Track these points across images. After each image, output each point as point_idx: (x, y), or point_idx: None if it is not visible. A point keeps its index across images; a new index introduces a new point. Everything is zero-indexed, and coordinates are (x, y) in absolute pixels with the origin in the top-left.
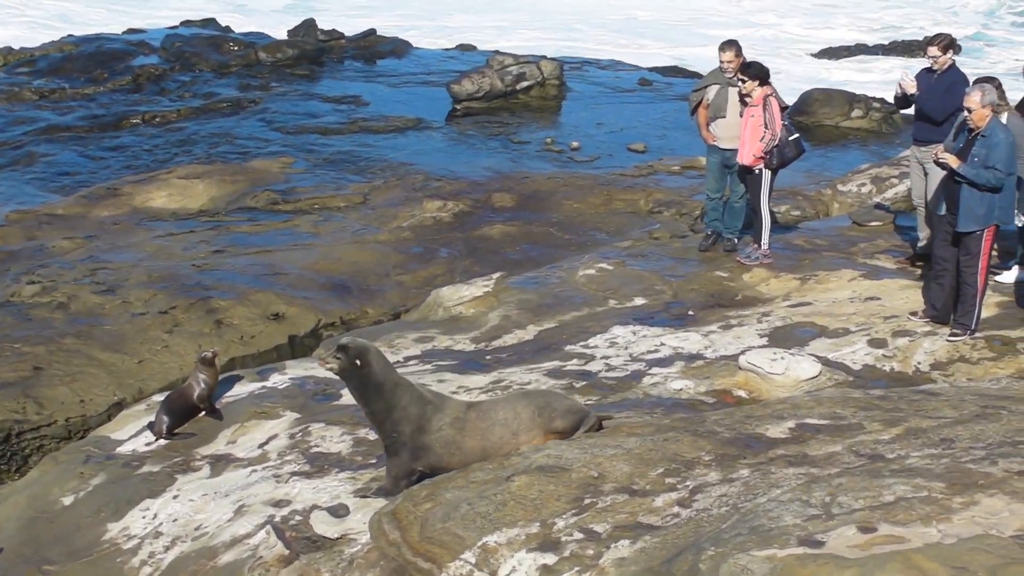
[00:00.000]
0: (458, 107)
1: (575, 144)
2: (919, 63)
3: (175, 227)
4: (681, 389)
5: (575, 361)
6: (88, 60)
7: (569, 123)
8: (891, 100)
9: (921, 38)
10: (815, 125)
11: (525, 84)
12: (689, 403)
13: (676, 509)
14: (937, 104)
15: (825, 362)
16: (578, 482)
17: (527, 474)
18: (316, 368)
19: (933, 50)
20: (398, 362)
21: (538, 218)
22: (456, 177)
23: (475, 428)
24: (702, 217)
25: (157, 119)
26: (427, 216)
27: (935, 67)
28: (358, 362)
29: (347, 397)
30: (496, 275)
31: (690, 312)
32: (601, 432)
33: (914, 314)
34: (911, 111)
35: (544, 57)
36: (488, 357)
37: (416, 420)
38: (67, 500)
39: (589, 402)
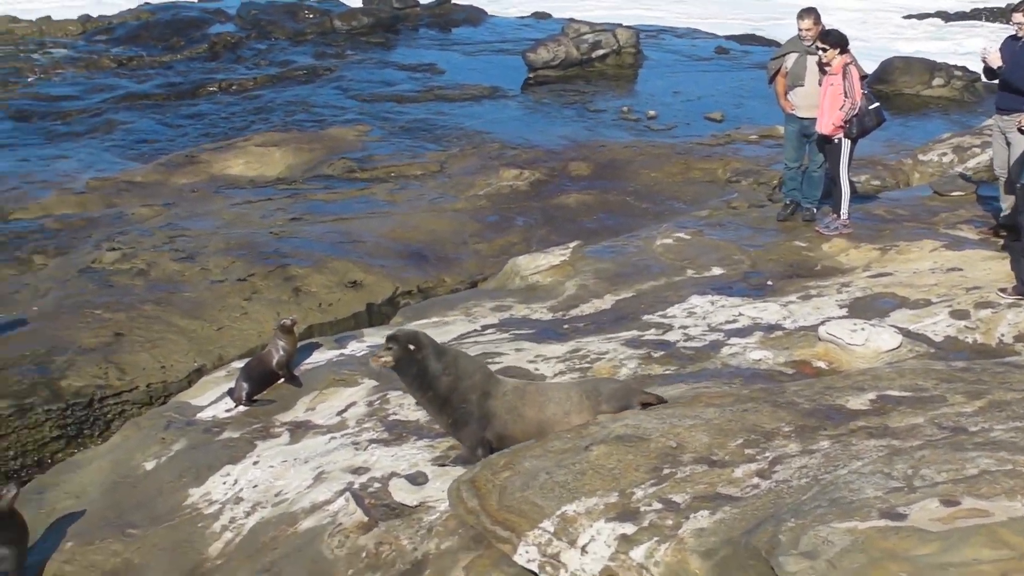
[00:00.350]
0: (533, 76)
1: (652, 113)
2: (1004, 30)
3: (252, 194)
4: (760, 360)
5: (653, 331)
6: (165, 28)
7: (645, 92)
8: (973, 69)
9: (1006, 4)
10: (895, 94)
11: (601, 52)
12: (768, 374)
13: (756, 480)
14: (1021, 73)
15: (906, 333)
16: (657, 452)
17: (605, 443)
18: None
19: (1018, 16)
20: (475, 331)
21: (615, 187)
22: (532, 146)
23: (534, 399)
24: (780, 187)
25: (234, 87)
26: (503, 184)
27: (1020, 34)
28: (411, 346)
29: None
30: (572, 244)
31: (769, 282)
32: (680, 402)
33: (1003, 290)
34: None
35: (620, 25)
36: (565, 326)
37: (482, 386)
38: (149, 465)
39: (667, 372)
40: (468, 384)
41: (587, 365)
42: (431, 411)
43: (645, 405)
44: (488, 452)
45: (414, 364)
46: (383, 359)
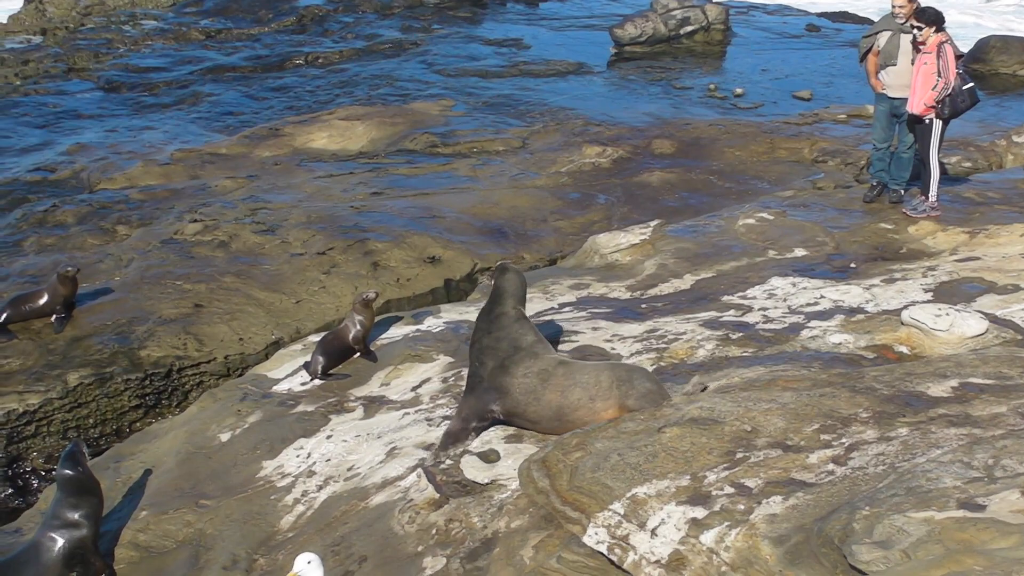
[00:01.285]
0: (619, 51)
1: (739, 91)
2: None
3: (335, 168)
4: (840, 343)
5: (732, 312)
6: (253, 0)
7: (733, 69)
8: None
9: None
10: (991, 73)
11: (689, 29)
12: (848, 358)
13: (831, 467)
14: None
15: (992, 319)
16: (730, 435)
17: (679, 426)
18: (471, 312)
19: None
20: (552, 309)
21: (698, 165)
22: (616, 123)
23: (558, 383)
24: (868, 167)
25: (320, 60)
26: (586, 162)
27: None
28: (499, 271)
29: None
30: (654, 223)
31: (852, 265)
32: (756, 385)
33: None
34: None
35: (709, 1)
36: (643, 306)
37: (502, 357)
38: (224, 436)
39: (745, 353)
40: (489, 344)
41: (664, 345)
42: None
43: None
44: (482, 428)
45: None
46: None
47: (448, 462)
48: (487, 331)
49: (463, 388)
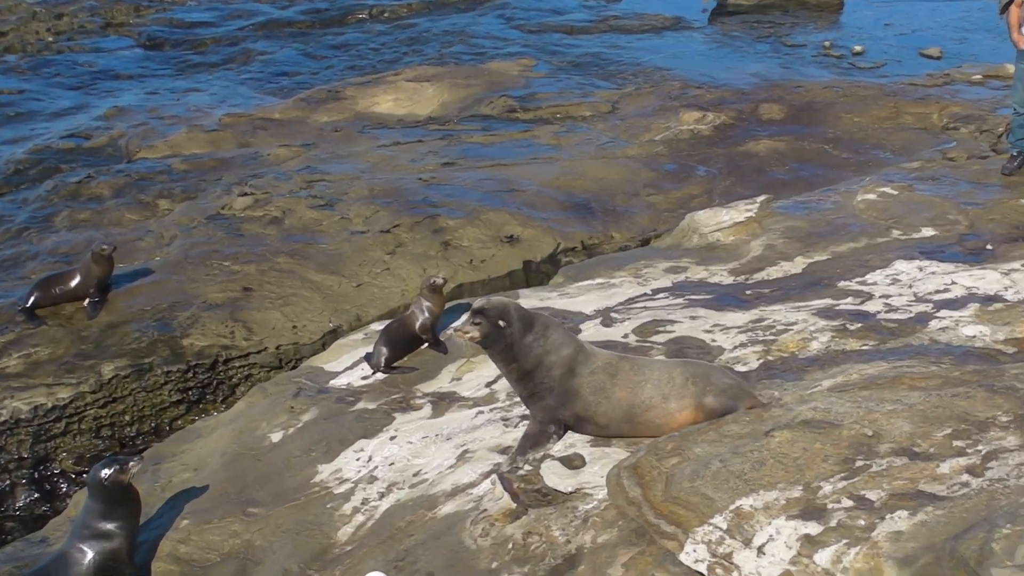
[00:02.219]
0: (721, 5)
1: (858, 48)
2: None
3: (401, 135)
4: (975, 336)
5: (850, 299)
6: None
7: (852, 24)
8: None
9: None
10: None
11: None
12: (984, 353)
13: (965, 477)
14: None
15: None
16: (849, 440)
17: (790, 429)
18: (553, 297)
19: None
20: (645, 295)
21: (812, 133)
22: (718, 84)
23: (627, 379)
24: (1007, 135)
25: (386, 14)
26: (684, 129)
27: None
28: (501, 323)
29: (586, 331)
30: (761, 198)
31: (989, 246)
32: (878, 383)
33: None
34: None
35: None
36: (748, 292)
37: (568, 362)
38: (275, 436)
39: (864, 347)
40: (554, 359)
41: (772, 337)
42: (511, 381)
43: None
44: (561, 432)
45: (502, 339)
46: (469, 335)
47: (527, 468)
48: (544, 352)
49: None
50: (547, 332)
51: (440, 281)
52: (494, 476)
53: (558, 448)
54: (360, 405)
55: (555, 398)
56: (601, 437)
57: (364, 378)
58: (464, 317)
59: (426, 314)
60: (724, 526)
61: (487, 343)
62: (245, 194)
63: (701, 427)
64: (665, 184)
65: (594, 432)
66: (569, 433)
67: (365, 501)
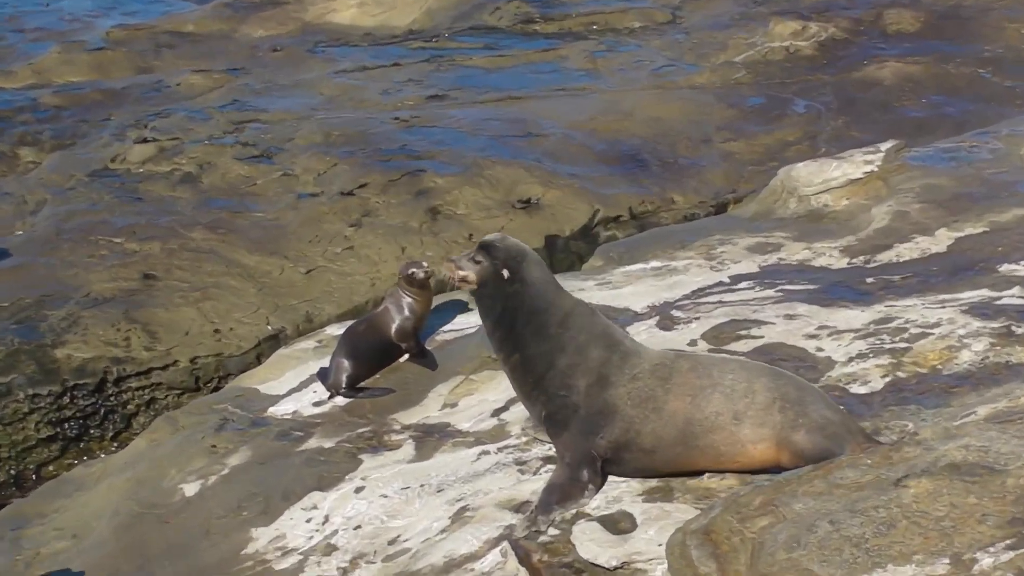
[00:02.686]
0: None
1: None
2: None
3: (369, 57)
4: None
5: (1016, 291)
6: None
7: None
8: None
9: None
10: None
11: None
12: None
13: None
14: None
15: None
16: (1017, 494)
17: (931, 476)
18: (589, 288)
19: None
20: (721, 284)
21: (959, 52)
22: None
23: (687, 383)
24: None
25: None
26: (775, 46)
27: None
28: (506, 272)
29: (635, 337)
30: (886, 145)
31: None
32: None
33: None
34: None
35: None
36: (870, 280)
37: (597, 367)
38: (190, 489)
39: None
40: (574, 361)
41: (903, 345)
42: (515, 385)
43: None
44: (600, 480)
45: (501, 299)
46: (460, 273)
47: (551, 532)
48: (557, 347)
49: None
50: (568, 321)
51: (422, 274)
52: (505, 544)
53: (596, 503)
54: (312, 443)
55: (583, 423)
56: (644, 476)
57: (317, 404)
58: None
59: (405, 313)
60: None
61: (481, 297)
62: (145, 140)
63: (801, 473)
64: (748, 126)
65: (636, 465)
66: (609, 481)
67: None
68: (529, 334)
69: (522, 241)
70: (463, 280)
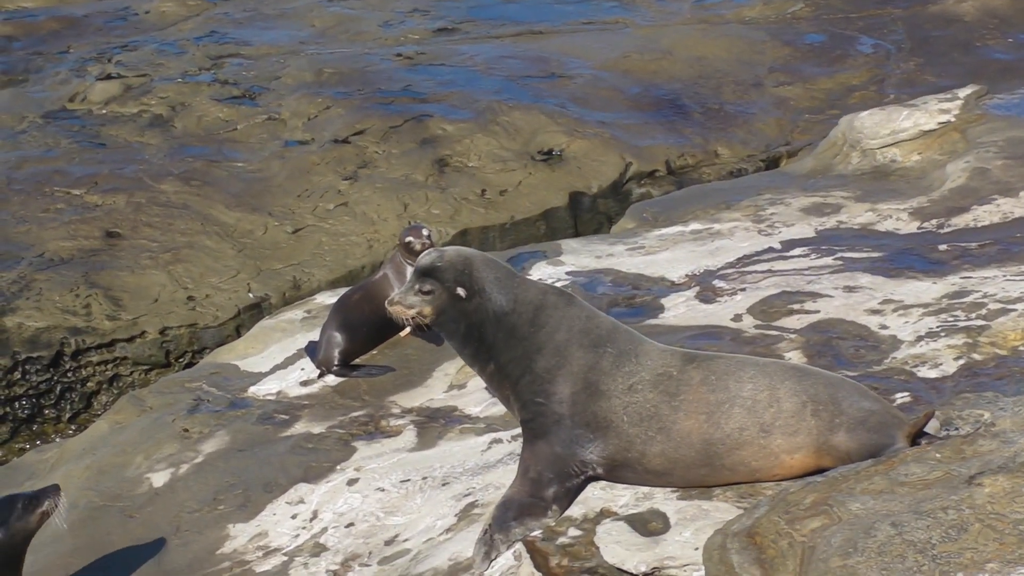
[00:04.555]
0: None
1: None
2: None
3: None
4: None
5: None
6: None
7: None
8: None
9: None
10: None
11: None
12: None
13: None
14: None
15: None
16: None
17: (1008, 473)
18: (619, 253)
19: None
20: (770, 250)
21: None
22: None
23: (698, 399)
24: None
25: None
26: None
27: None
28: (461, 291)
29: (671, 309)
30: (965, 91)
31: None
32: None
33: None
34: None
35: None
36: (943, 248)
37: (583, 372)
38: (159, 479)
39: None
40: (552, 364)
41: (981, 323)
42: (495, 394)
43: (917, 443)
44: (567, 503)
45: (463, 319)
46: (412, 311)
47: (573, 532)
48: (535, 348)
49: None
50: (540, 316)
51: (419, 244)
52: (519, 547)
53: (625, 501)
54: (299, 428)
55: (565, 435)
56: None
57: (305, 383)
58: (408, 279)
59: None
60: None
61: (443, 324)
62: (108, 77)
63: (860, 468)
64: (806, 67)
65: (647, 482)
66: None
67: None
68: (500, 341)
69: (540, 199)
70: (417, 317)
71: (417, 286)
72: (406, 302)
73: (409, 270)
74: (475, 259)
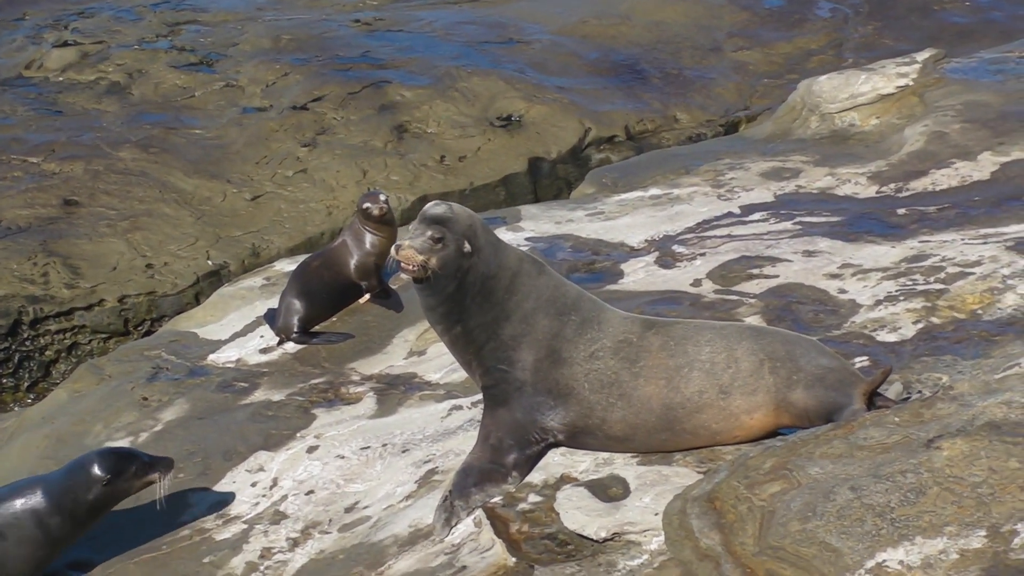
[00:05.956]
0: None
1: None
2: None
3: None
4: None
5: None
6: None
7: None
8: None
9: None
10: None
11: None
12: None
13: None
14: None
15: None
16: None
17: (967, 436)
18: (579, 219)
19: None
20: (729, 215)
21: None
22: None
23: (657, 364)
24: None
25: None
26: None
27: None
28: (468, 247)
29: (630, 275)
30: (923, 55)
31: None
32: None
33: None
34: None
35: None
36: (901, 211)
37: (547, 339)
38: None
39: None
40: (521, 331)
41: (939, 286)
42: (455, 356)
43: (872, 402)
44: (527, 469)
45: (457, 277)
46: (422, 258)
47: (533, 499)
48: (503, 315)
49: None
50: (515, 282)
51: (376, 210)
52: (479, 513)
53: (585, 467)
54: (258, 395)
55: (527, 401)
56: (625, 450)
57: (265, 351)
58: (413, 227)
59: (366, 247)
60: None
61: (439, 279)
62: (65, 44)
63: (818, 432)
64: (764, 32)
65: (609, 448)
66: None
67: (268, 553)
68: (476, 304)
69: (500, 164)
70: (420, 267)
71: (429, 233)
72: (417, 246)
73: (368, 236)
74: (477, 218)
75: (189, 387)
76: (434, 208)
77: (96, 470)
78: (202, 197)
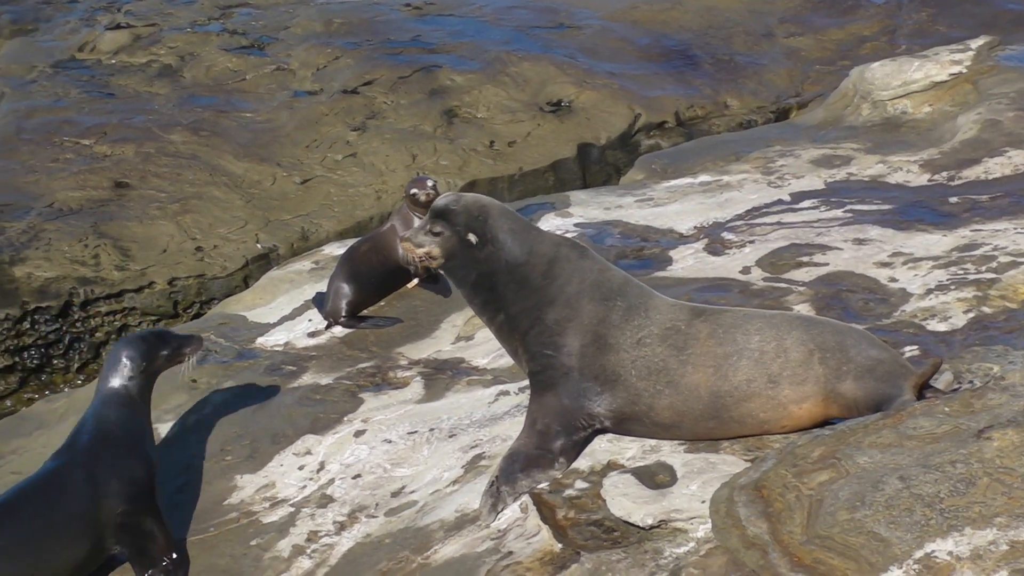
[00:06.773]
0: None
1: None
2: None
3: None
4: None
5: None
6: None
7: None
8: None
9: None
10: None
11: None
12: None
13: None
14: None
15: None
16: None
17: (1017, 427)
18: (628, 205)
19: None
20: (779, 202)
21: None
22: None
23: (706, 352)
24: None
25: None
26: None
27: None
28: (473, 237)
29: (679, 262)
30: (977, 42)
31: None
32: None
33: None
34: None
35: None
36: (953, 200)
37: (593, 325)
38: (166, 429)
39: None
40: (566, 315)
41: (991, 276)
42: (503, 345)
43: (922, 394)
44: (574, 456)
45: (474, 266)
46: (422, 250)
47: (580, 485)
48: (546, 300)
49: None
50: (552, 269)
51: (423, 196)
52: (526, 499)
53: (632, 454)
54: (306, 379)
55: (574, 387)
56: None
57: (313, 334)
58: (422, 222)
59: None
60: None
61: (452, 269)
62: (118, 26)
63: (868, 422)
64: (817, 18)
65: (655, 435)
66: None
67: (315, 535)
68: (511, 292)
69: (549, 149)
70: (426, 258)
71: (429, 226)
72: (416, 240)
73: (416, 221)
74: (491, 207)
75: (238, 370)
76: (439, 200)
77: (130, 353)
78: (252, 180)
